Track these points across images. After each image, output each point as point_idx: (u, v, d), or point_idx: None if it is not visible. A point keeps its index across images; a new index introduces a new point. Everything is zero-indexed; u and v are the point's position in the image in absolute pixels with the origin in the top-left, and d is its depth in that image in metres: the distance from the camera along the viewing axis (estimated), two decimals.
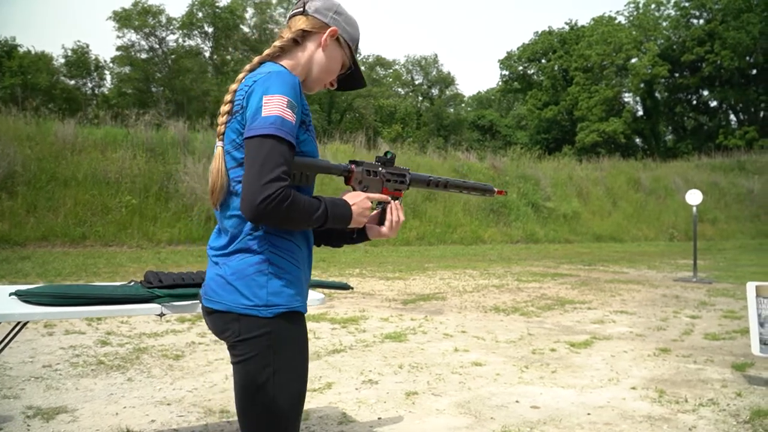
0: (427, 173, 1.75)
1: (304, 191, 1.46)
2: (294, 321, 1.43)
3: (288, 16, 1.61)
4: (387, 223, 1.58)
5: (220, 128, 1.46)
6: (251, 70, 1.49)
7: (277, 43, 1.55)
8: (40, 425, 3.16)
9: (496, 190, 1.88)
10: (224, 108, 1.46)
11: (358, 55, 1.66)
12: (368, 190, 1.56)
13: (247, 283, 1.39)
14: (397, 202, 1.60)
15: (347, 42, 1.60)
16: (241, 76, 1.48)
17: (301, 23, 1.57)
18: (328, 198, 1.44)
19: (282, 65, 1.52)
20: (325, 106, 35.14)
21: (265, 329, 1.38)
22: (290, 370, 1.42)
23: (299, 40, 1.56)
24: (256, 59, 1.52)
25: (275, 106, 1.33)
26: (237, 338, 1.41)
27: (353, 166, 1.55)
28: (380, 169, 1.59)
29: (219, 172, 1.43)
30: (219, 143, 1.45)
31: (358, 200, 1.49)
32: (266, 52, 1.54)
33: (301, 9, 1.57)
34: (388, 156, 1.62)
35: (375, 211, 1.60)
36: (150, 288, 2.47)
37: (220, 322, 1.44)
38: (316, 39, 1.56)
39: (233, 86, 1.47)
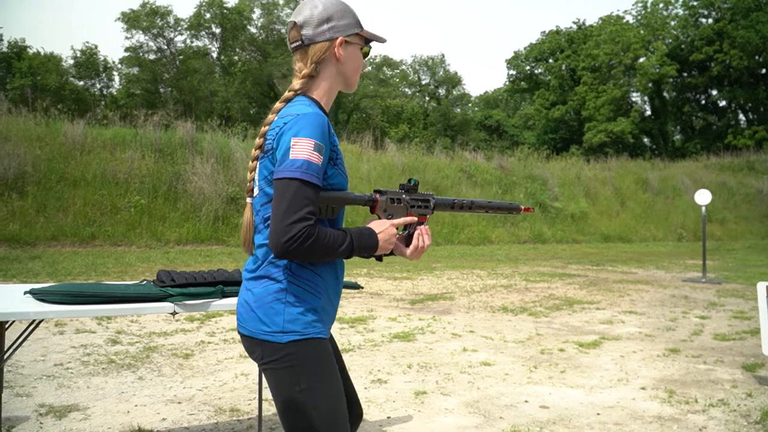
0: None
1: (337, 221, 1.55)
2: (311, 346, 1.49)
3: (291, 48, 1.61)
4: (411, 247, 1.62)
5: (251, 174, 1.57)
6: (285, 103, 1.55)
7: (296, 85, 1.57)
8: (52, 423, 3.19)
9: (522, 207, 1.87)
10: (256, 146, 1.54)
11: (365, 29, 1.63)
12: (393, 217, 1.60)
13: (266, 311, 1.48)
14: (425, 227, 1.63)
15: (354, 34, 1.60)
16: (271, 117, 1.54)
17: (308, 56, 1.57)
18: (354, 230, 1.50)
19: (313, 99, 1.57)
20: (331, 106, 35.13)
21: (283, 353, 1.46)
22: (318, 389, 1.47)
23: (317, 71, 1.58)
24: (286, 95, 1.56)
25: (302, 150, 1.40)
26: (262, 361, 1.51)
27: (377, 195, 1.59)
28: (404, 196, 1.63)
29: (249, 225, 1.57)
30: (249, 199, 1.58)
31: (384, 228, 1.55)
32: (294, 88, 1.56)
33: (299, 42, 1.57)
34: (412, 183, 1.65)
35: (401, 235, 1.64)
36: (163, 287, 2.49)
37: (248, 345, 1.55)
38: (330, 58, 1.58)
39: (265, 126, 1.54)
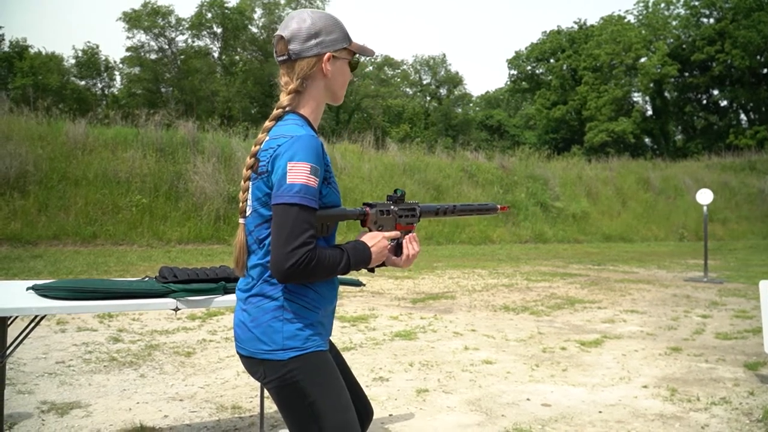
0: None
1: (331, 236, 1.56)
2: (312, 359, 1.49)
3: (277, 61, 1.59)
4: (404, 256, 1.66)
5: (243, 195, 1.55)
6: (275, 121, 1.53)
7: (284, 101, 1.54)
8: (54, 420, 3.19)
9: (499, 206, 1.94)
10: (248, 166, 1.52)
11: (353, 43, 1.61)
12: (383, 228, 1.65)
13: (264, 330, 1.48)
14: (412, 234, 1.68)
15: (341, 49, 1.58)
16: (261, 136, 1.52)
17: (295, 71, 1.55)
18: (349, 246, 1.53)
19: (303, 116, 1.55)
20: (333, 106, 35.14)
21: (285, 370, 1.46)
22: (325, 401, 1.48)
23: (304, 86, 1.56)
24: (275, 113, 1.55)
25: (299, 174, 1.41)
26: (265, 380, 1.51)
27: (367, 208, 1.63)
28: (392, 207, 1.68)
29: (242, 247, 1.54)
30: (241, 220, 1.56)
31: (376, 241, 1.57)
32: (282, 105, 1.55)
33: (286, 56, 1.55)
34: (398, 193, 1.71)
35: (391, 245, 1.69)
36: (165, 283, 2.49)
37: (248, 365, 1.55)
38: (318, 74, 1.56)
39: (256, 146, 1.52)
